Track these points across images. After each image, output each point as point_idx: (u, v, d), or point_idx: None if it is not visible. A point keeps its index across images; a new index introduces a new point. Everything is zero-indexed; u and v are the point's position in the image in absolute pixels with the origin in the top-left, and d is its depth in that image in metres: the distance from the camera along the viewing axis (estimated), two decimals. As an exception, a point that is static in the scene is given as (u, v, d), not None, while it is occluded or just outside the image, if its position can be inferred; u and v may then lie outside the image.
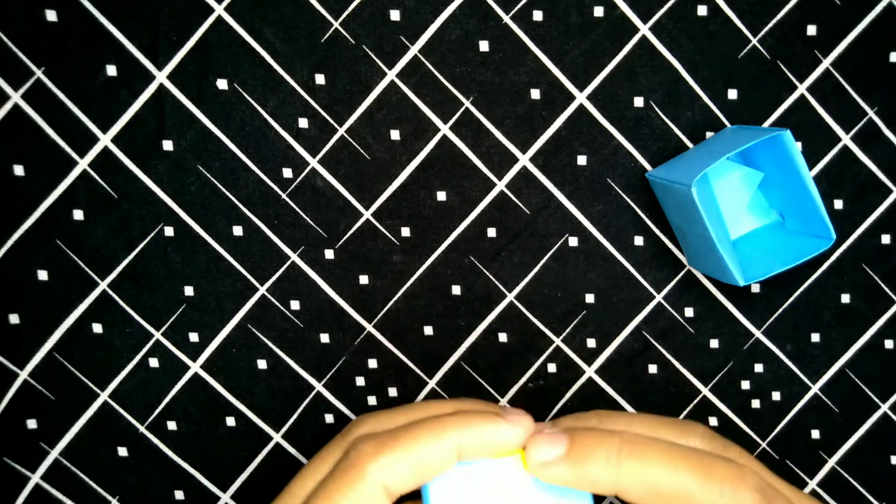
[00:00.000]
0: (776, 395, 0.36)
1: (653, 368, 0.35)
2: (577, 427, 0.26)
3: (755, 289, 0.35)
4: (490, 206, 0.34)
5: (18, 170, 0.32)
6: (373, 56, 0.32)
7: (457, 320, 0.34)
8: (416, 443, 0.24)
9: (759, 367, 0.35)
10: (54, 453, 0.34)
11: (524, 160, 0.34)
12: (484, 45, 0.33)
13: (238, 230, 0.33)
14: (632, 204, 0.34)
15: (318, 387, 0.35)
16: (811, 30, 0.33)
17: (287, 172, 0.33)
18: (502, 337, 0.35)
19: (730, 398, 0.36)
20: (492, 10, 0.32)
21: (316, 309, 0.34)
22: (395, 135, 0.33)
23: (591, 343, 0.35)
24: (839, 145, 0.34)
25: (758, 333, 0.35)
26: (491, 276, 0.34)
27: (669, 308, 0.35)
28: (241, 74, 0.32)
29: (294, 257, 0.34)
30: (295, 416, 0.35)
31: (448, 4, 0.32)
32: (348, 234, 0.34)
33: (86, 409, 0.34)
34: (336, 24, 0.32)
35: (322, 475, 0.26)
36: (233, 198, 0.33)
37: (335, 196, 0.33)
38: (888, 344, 0.36)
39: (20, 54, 0.31)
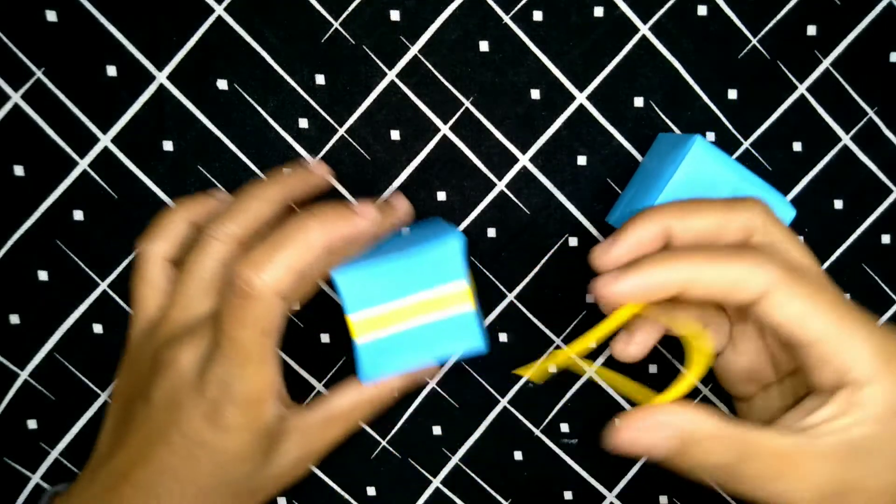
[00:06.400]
0: (776, 395, 0.36)
1: (653, 368, 0.35)
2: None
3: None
4: (490, 206, 0.34)
5: (18, 170, 0.32)
6: (373, 56, 0.32)
7: (457, 320, 0.34)
8: (290, 251, 0.25)
9: (758, 367, 0.35)
10: (55, 453, 0.34)
11: (524, 160, 0.34)
12: (484, 45, 0.33)
13: (238, 230, 0.33)
14: (632, 204, 0.34)
15: (319, 387, 0.35)
16: (811, 30, 0.33)
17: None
18: (502, 337, 0.35)
19: (731, 397, 0.35)
20: (492, 11, 0.32)
21: (316, 309, 0.34)
22: (395, 135, 0.33)
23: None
24: (839, 145, 0.34)
25: (758, 333, 0.35)
26: (491, 276, 0.34)
27: (669, 308, 0.35)
28: (241, 74, 0.32)
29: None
30: (295, 416, 0.35)
31: (448, 4, 0.32)
32: (348, 234, 0.34)
33: (86, 409, 0.34)
34: (336, 24, 0.32)
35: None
36: (233, 198, 0.33)
37: (335, 196, 0.33)
38: (888, 344, 0.36)
39: (20, 54, 0.31)
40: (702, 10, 0.33)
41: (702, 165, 0.28)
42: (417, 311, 0.28)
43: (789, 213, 0.29)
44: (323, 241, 0.26)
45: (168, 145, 0.33)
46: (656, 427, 0.24)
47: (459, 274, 0.27)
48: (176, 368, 0.27)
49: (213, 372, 0.26)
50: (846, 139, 0.34)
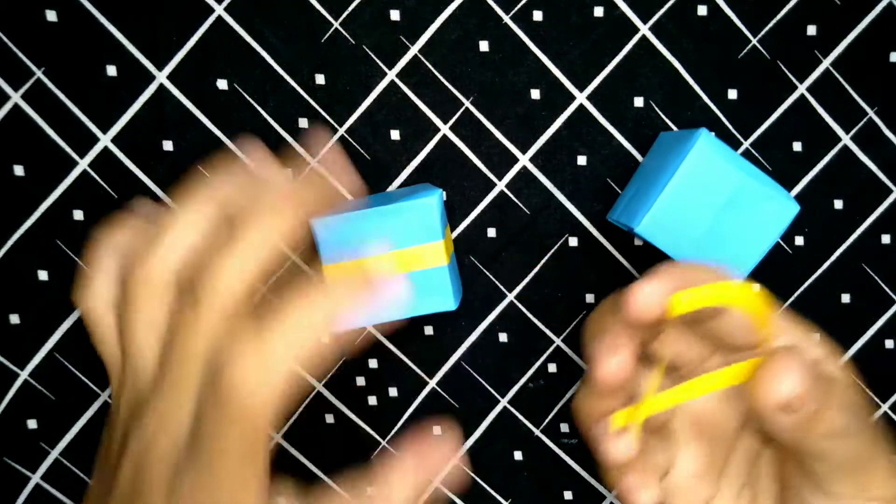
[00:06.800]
0: (776, 395, 0.36)
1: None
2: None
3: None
4: (490, 206, 0.34)
5: (18, 170, 0.32)
6: (373, 56, 0.32)
7: (457, 320, 0.34)
8: (292, 344, 0.21)
9: (759, 367, 0.35)
10: (55, 453, 0.34)
11: (524, 160, 0.34)
12: (484, 45, 0.33)
13: (238, 230, 0.33)
14: (632, 204, 0.34)
15: (319, 387, 0.35)
16: (811, 30, 0.33)
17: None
18: (502, 337, 0.35)
19: None
20: (492, 10, 0.32)
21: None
22: (395, 135, 0.33)
23: (591, 343, 0.35)
24: (839, 145, 0.34)
25: (758, 333, 0.35)
26: (491, 276, 0.34)
27: (669, 308, 0.35)
28: (241, 74, 0.32)
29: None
30: (295, 416, 0.35)
31: (448, 4, 0.32)
32: (348, 234, 0.34)
33: (86, 409, 0.34)
34: (336, 24, 0.32)
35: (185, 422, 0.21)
36: (233, 198, 0.33)
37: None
38: (888, 344, 0.36)
39: (20, 54, 0.31)
40: (702, 10, 0.33)
41: (707, 160, 0.28)
42: (392, 264, 0.29)
43: (793, 210, 0.29)
44: (331, 322, 0.21)
45: (168, 145, 0.33)
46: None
47: (435, 229, 0.28)
48: (139, 455, 0.22)
49: (184, 482, 0.21)
50: (846, 139, 0.34)
